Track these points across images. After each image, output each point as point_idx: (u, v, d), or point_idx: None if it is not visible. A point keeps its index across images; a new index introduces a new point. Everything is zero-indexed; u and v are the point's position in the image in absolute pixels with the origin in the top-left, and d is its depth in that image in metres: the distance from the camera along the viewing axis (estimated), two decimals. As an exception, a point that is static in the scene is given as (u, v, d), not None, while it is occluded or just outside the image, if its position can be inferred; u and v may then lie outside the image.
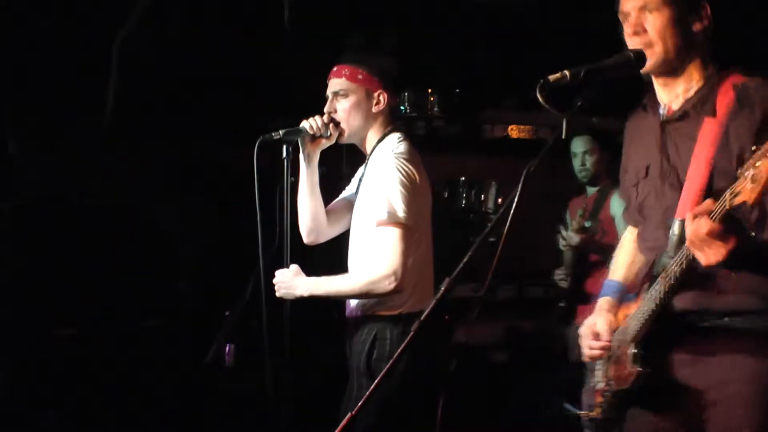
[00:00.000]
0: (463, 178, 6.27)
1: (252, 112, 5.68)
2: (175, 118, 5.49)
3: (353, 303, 3.31)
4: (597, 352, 2.58)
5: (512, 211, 2.25)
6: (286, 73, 5.72)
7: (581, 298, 4.61)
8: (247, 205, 5.49)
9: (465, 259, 2.27)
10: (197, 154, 5.61)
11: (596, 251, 4.63)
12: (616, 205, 4.60)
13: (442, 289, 2.27)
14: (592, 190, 4.89)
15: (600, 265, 4.51)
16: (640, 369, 2.45)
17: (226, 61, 5.53)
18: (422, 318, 2.24)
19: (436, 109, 6.25)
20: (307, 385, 4.42)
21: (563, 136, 2.33)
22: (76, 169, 5.27)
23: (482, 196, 6.36)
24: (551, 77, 2.33)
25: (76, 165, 5.25)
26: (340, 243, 3.51)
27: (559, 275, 4.77)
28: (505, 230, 2.24)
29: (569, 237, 4.56)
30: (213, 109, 5.61)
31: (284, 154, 3.30)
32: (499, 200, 6.40)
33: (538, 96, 2.29)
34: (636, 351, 2.44)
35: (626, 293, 2.67)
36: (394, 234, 3.09)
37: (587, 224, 4.72)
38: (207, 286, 5.34)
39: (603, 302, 2.66)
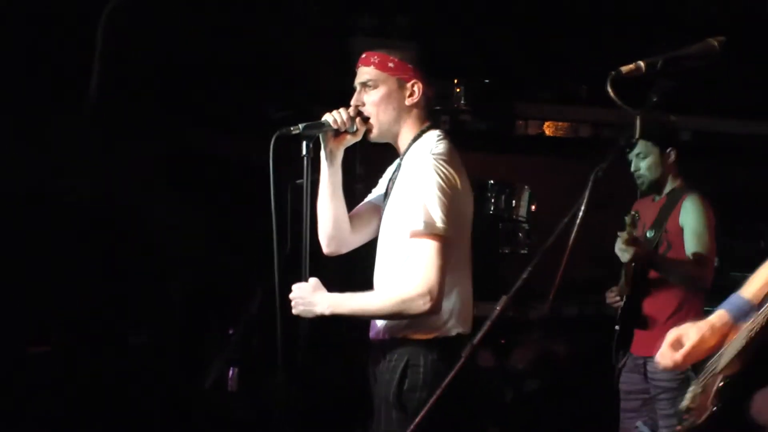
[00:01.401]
0: (492, 181, 6.28)
1: (252, 100, 5.70)
2: (166, 107, 5.50)
3: (380, 324, 3.27)
4: (667, 363, 2.52)
5: (578, 221, 2.22)
6: (290, 56, 5.73)
7: (639, 322, 4.55)
8: (248, 205, 5.54)
9: (524, 275, 2.26)
10: (190, 146, 5.62)
11: (658, 267, 4.48)
12: (688, 213, 4.49)
13: (498, 308, 2.26)
14: (659, 195, 4.78)
15: (663, 283, 4.44)
16: (715, 408, 2.41)
17: (224, 44, 5.54)
18: (475, 342, 2.22)
19: (462, 101, 6.26)
20: (316, 414, 4.41)
21: (636, 137, 2.31)
22: (54, 162, 5.27)
23: (513, 201, 6.37)
24: (624, 68, 2.32)
25: (54, 157, 5.26)
26: (362, 254, 3.50)
27: (613, 294, 4.65)
28: (570, 243, 2.21)
29: (620, 250, 4.44)
30: (208, 96, 5.63)
31: (303, 151, 3.26)
32: (533, 207, 6.41)
33: (609, 90, 2.28)
34: (722, 385, 2.40)
35: (750, 314, 2.58)
36: (431, 247, 3.07)
37: (649, 234, 4.63)
38: (202, 297, 5.33)
39: (715, 315, 2.56)
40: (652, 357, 4.41)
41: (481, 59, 6.33)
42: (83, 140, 5.36)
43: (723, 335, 2.51)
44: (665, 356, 2.51)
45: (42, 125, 5.28)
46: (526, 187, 6.35)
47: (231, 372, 4.20)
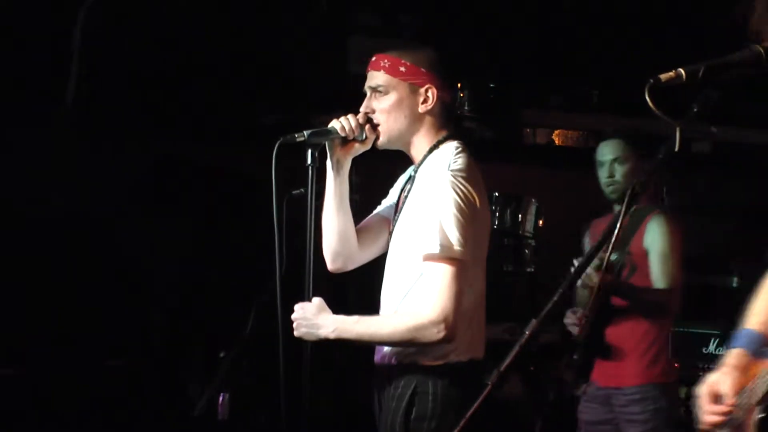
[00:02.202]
0: (497, 193, 6.27)
1: (242, 106, 5.69)
2: (148, 113, 5.49)
3: (386, 348, 3.28)
4: (718, 419, 2.54)
5: (614, 239, 2.23)
6: (283, 60, 5.74)
7: (600, 351, 4.48)
8: (236, 218, 5.55)
9: (555, 298, 2.26)
10: (174, 155, 5.61)
11: (622, 294, 4.43)
12: (654, 234, 4.50)
13: (527, 333, 2.26)
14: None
15: (626, 312, 4.43)
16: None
17: (211, 46, 5.55)
18: (502, 369, 2.23)
19: (466, 107, 6.27)
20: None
21: (676, 149, 2.32)
22: (27, 171, 5.26)
23: (519, 215, 6.36)
24: (662, 76, 2.32)
25: (28, 166, 5.24)
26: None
27: (571, 319, 4.58)
28: (606, 260, 2.23)
29: (585, 275, 4.37)
30: (193, 101, 5.62)
31: (308, 160, 3.26)
32: (540, 222, 6.41)
33: (648, 99, 2.30)
34: (761, 417, 2.42)
35: (765, 346, 2.63)
36: (447, 272, 3.07)
37: (613, 258, 4.59)
38: (185, 317, 5.32)
39: (732, 355, 2.62)
40: (619, 388, 4.47)
41: (487, 62, 6.35)
42: (57, 148, 5.36)
43: (747, 370, 2.54)
44: (712, 411, 2.54)
45: (9, 130, 5.27)
46: (533, 200, 6.34)
47: (221, 398, 4.19)
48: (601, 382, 4.48)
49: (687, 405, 5.78)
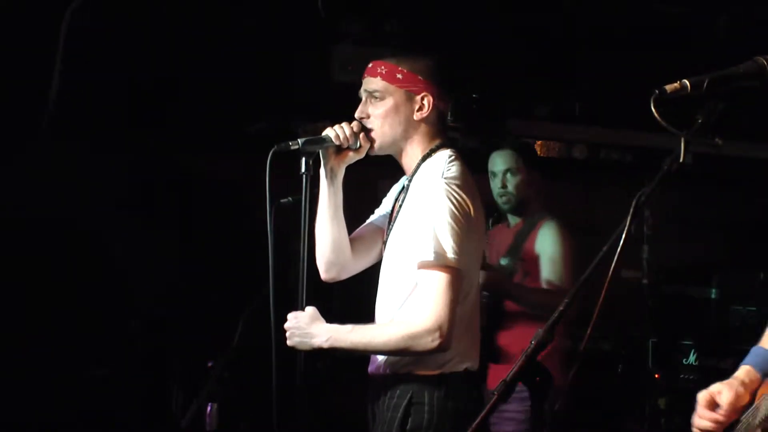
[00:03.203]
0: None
1: (227, 113, 5.67)
2: (133, 117, 5.46)
3: (381, 357, 3.28)
4: (706, 424, 2.56)
5: (620, 247, 2.24)
6: (269, 65, 5.72)
7: (492, 356, 4.49)
8: (221, 226, 5.52)
9: (561, 308, 2.27)
10: (157, 162, 5.57)
11: (510, 295, 4.49)
12: (545, 240, 4.56)
13: (533, 343, 2.26)
14: (515, 220, 4.81)
15: (519, 315, 4.46)
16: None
17: (196, 53, 5.52)
18: (508, 380, 2.23)
19: (449, 117, 6.25)
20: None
21: (681, 160, 2.33)
22: (6, 175, 5.20)
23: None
24: (668, 87, 2.33)
25: (7, 171, 5.19)
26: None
27: None
28: (611, 270, 2.23)
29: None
30: (178, 109, 5.59)
31: (303, 168, 3.26)
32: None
33: (653, 111, 2.30)
34: (764, 440, 2.43)
35: None
36: (442, 280, 3.08)
37: (503, 261, 4.63)
38: (167, 326, 5.29)
39: (741, 371, 2.63)
40: None
41: (471, 71, 6.35)
42: (38, 152, 5.30)
43: (753, 390, 2.56)
44: (704, 417, 2.55)
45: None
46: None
47: (209, 408, 4.16)
48: (493, 387, 4.50)
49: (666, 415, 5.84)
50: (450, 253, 3.08)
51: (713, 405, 2.56)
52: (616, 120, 6.58)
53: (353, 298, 4.05)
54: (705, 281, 6.44)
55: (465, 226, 3.13)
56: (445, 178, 3.18)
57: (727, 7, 5.64)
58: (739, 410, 2.55)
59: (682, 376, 5.94)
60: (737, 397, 2.53)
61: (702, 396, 2.58)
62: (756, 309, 6.17)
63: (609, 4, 5.83)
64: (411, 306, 3.16)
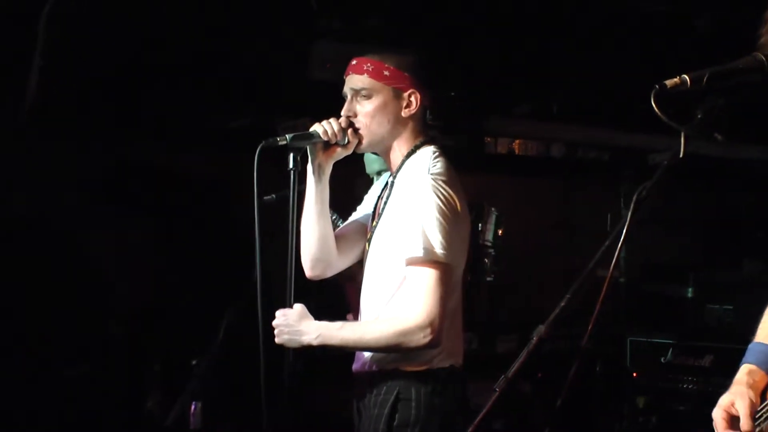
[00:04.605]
0: (456, 202, 6.27)
1: (209, 107, 5.63)
2: (111, 115, 5.40)
3: (367, 353, 3.25)
4: None
5: (620, 245, 2.22)
6: (253, 59, 5.67)
7: None
8: (204, 223, 5.47)
9: (562, 303, 2.24)
10: (137, 158, 5.52)
11: None
12: None
13: (535, 339, 2.24)
14: None
15: None
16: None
17: (176, 49, 5.46)
18: (509, 375, 2.21)
19: (427, 115, 6.23)
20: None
21: (681, 155, 2.32)
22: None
23: (479, 225, 6.37)
24: (668, 82, 2.32)
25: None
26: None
27: None
28: (611, 269, 2.22)
29: None
30: (158, 105, 5.54)
31: (290, 164, 3.22)
32: (500, 231, 6.43)
33: (654, 106, 2.28)
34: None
35: None
36: (431, 276, 3.06)
37: None
38: (146, 325, 5.24)
39: (744, 373, 2.57)
40: None
41: (449, 69, 6.34)
42: (16, 148, 5.25)
43: (762, 389, 2.52)
44: None
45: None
46: (493, 209, 6.36)
47: (193, 407, 4.12)
48: None
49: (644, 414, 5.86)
50: (439, 249, 3.06)
51: (731, 419, 2.50)
52: (594, 119, 6.59)
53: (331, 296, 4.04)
54: (681, 280, 6.48)
55: (452, 221, 3.11)
56: (431, 174, 3.16)
57: (710, 6, 5.66)
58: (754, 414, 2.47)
59: (660, 374, 5.95)
60: (751, 403, 2.46)
61: (718, 415, 2.49)
62: (732, 308, 6.21)
63: (588, 2, 5.83)
64: (400, 302, 3.14)
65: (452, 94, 6.42)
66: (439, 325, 3.05)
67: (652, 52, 5.92)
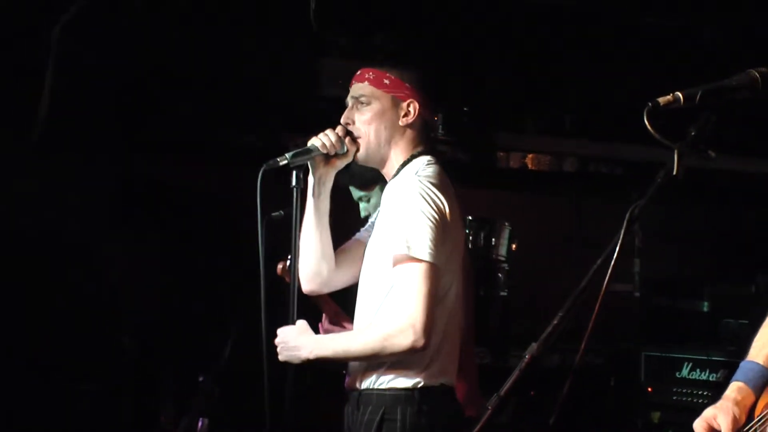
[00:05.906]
0: (471, 217, 6.27)
1: (216, 123, 5.65)
2: (122, 133, 5.43)
3: (353, 371, 3.24)
4: None
5: (613, 261, 2.22)
6: (257, 76, 5.70)
7: None
8: (212, 240, 5.49)
9: (555, 321, 2.24)
10: (148, 176, 5.54)
11: None
12: None
13: (527, 356, 2.24)
14: None
15: None
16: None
17: (185, 67, 5.50)
18: (502, 394, 2.20)
19: (440, 130, 6.25)
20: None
21: (674, 172, 2.33)
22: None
23: (492, 239, 6.36)
24: (661, 100, 2.33)
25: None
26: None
27: None
28: (605, 285, 2.22)
29: None
30: (167, 123, 5.57)
31: (293, 182, 3.23)
32: (513, 246, 6.42)
33: (647, 123, 2.29)
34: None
35: None
36: (414, 274, 3.02)
37: None
38: (157, 340, 5.26)
39: (732, 390, 2.56)
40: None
41: (461, 85, 6.36)
42: (28, 166, 5.28)
43: (749, 407, 2.52)
44: None
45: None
46: (506, 223, 6.35)
47: (200, 423, 4.12)
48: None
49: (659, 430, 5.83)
50: (422, 246, 3.02)
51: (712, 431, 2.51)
52: (606, 133, 6.58)
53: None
54: (696, 294, 6.44)
55: (439, 222, 3.06)
56: (419, 176, 3.15)
57: (718, 21, 5.65)
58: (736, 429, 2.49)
59: (675, 389, 5.90)
60: (734, 419, 2.48)
61: (699, 426, 2.51)
62: (747, 322, 6.16)
63: (599, 17, 5.83)
64: (387, 308, 3.10)
65: (465, 109, 6.44)
66: (424, 324, 2.99)
67: (664, 65, 5.92)
